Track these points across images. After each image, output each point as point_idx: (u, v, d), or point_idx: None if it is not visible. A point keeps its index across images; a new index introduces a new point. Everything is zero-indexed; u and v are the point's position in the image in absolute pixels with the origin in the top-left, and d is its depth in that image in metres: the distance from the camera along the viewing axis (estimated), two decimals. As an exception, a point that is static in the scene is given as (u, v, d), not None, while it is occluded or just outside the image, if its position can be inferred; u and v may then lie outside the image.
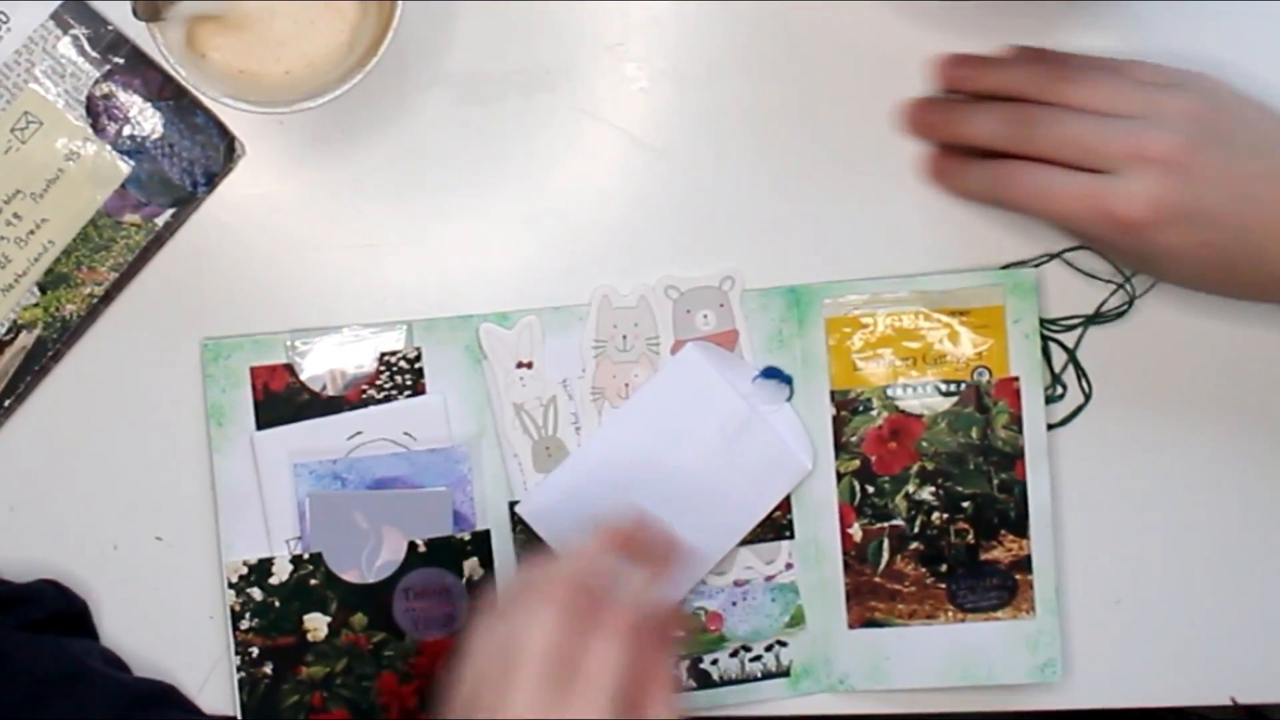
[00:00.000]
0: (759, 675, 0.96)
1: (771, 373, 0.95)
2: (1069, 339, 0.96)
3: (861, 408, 0.96)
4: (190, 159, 0.96)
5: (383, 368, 0.95)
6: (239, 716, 0.96)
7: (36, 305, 0.95)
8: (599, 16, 0.96)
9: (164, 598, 0.97)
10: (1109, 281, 0.96)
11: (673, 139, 0.96)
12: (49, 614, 0.93)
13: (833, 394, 0.96)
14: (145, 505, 0.96)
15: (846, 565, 0.96)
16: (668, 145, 0.96)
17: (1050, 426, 0.96)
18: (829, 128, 0.96)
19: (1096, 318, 0.96)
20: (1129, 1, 0.96)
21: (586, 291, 0.96)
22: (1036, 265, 0.96)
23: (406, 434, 0.95)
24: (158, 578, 0.97)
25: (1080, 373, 0.96)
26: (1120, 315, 0.96)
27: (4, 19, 0.95)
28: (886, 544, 0.96)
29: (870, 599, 0.96)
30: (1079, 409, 0.97)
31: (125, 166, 0.96)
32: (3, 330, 0.95)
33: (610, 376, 0.95)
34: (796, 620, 0.96)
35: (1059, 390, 0.96)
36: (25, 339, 0.95)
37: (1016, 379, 0.96)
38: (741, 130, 0.96)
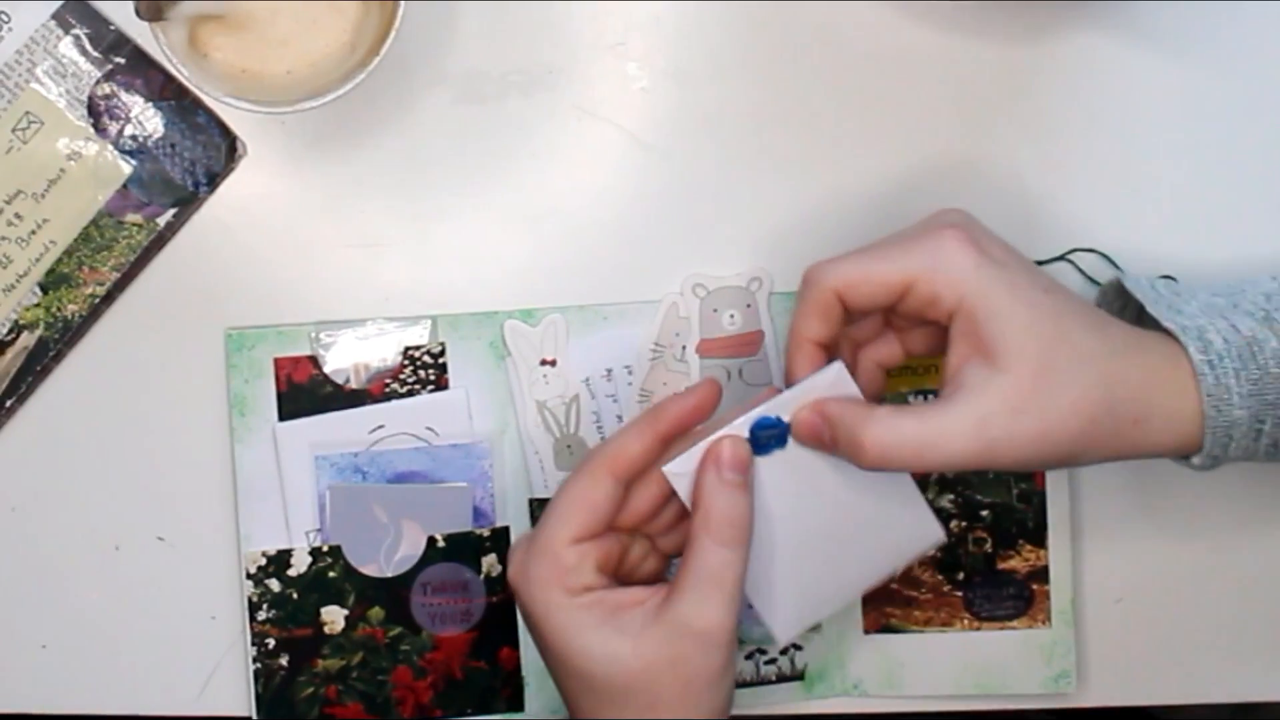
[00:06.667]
0: (773, 678, 0.97)
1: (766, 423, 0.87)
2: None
3: (883, 413, 0.97)
4: (192, 159, 0.95)
5: (406, 362, 0.96)
6: (254, 707, 0.96)
7: (38, 305, 0.95)
8: (599, 16, 0.96)
9: (167, 597, 0.97)
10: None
11: (674, 138, 0.96)
12: None
13: (855, 399, 0.97)
14: (148, 505, 0.96)
15: (864, 571, 0.97)
16: (669, 145, 0.96)
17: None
18: (830, 127, 0.96)
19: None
20: (1129, 1, 0.96)
21: (591, 290, 0.96)
22: (1044, 264, 0.96)
23: (428, 429, 0.96)
24: (160, 578, 0.97)
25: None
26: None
27: (5, 19, 0.94)
28: (904, 551, 0.97)
29: (886, 605, 0.96)
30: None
31: (127, 166, 0.95)
32: (4, 330, 0.95)
33: (661, 384, 0.96)
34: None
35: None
36: (27, 339, 0.95)
37: (1038, 389, 0.96)
38: (742, 129, 0.96)
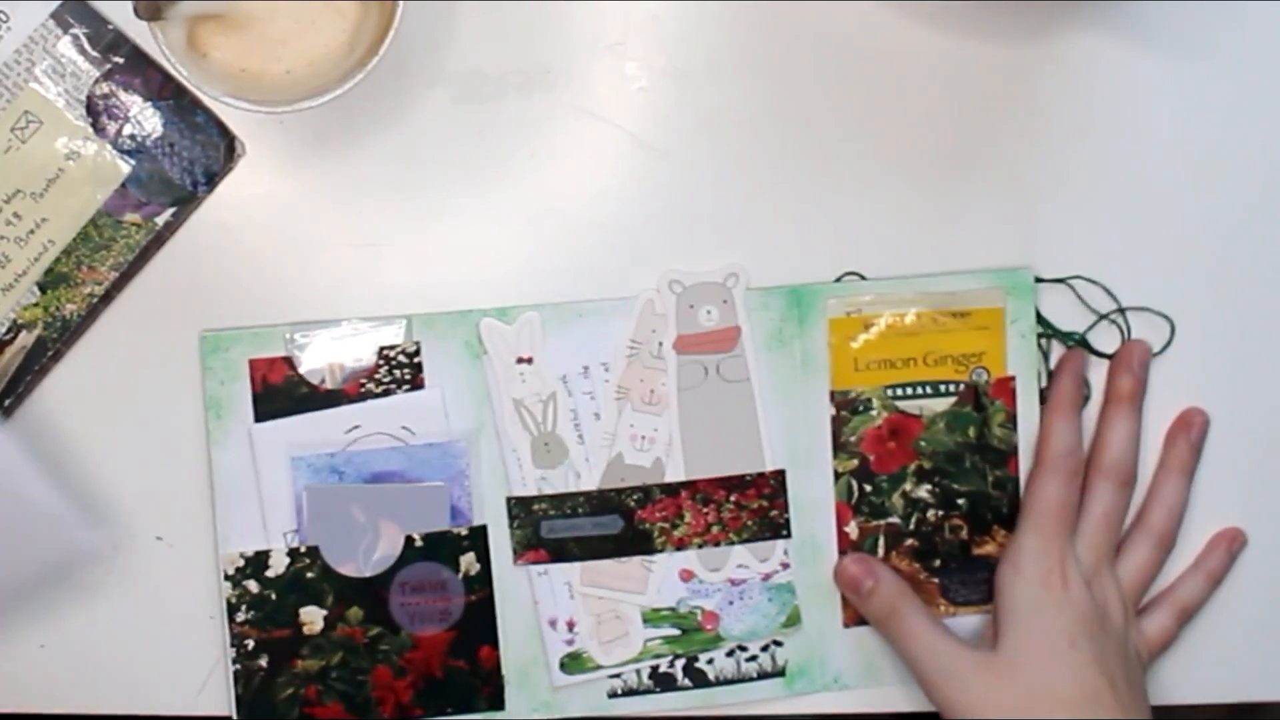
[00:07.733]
0: (754, 675, 0.96)
1: None
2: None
3: (861, 408, 0.96)
4: (190, 158, 0.96)
5: (381, 362, 0.95)
6: (234, 708, 0.95)
7: (36, 305, 0.95)
8: (599, 16, 0.96)
9: (164, 597, 0.96)
10: (1096, 311, 0.97)
11: (673, 138, 0.96)
12: None
13: (832, 394, 0.96)
14: (146, 504, 0.96)
15: (842, 563, 0.97)
16: (667, 144, 0.96)
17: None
18: (829, 127, 0.96)
19: (1086, 343, 0.97)
20: (1129, 1, 0.96)
21: (586, 289, 0.96)
22: (1043, 283, 0.96)
23: (405, 428, 0.95)
24: (158, 577, 0.96)
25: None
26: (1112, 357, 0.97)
27: (4, 18, 0.94)
28: (882, 541, 0.96)
29: (865, 596, 0.97)
30: (1078, 407, 0.97)
31: (125, 166, 0.95)
32: (3, 330, 0.95)
33: (638, 380, 0.95)
34: (793, 620, 0.96)
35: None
36: (25, 339, 0.95)
37: (1013, 378, 0.96)
38: (741, 129, 0.96)
